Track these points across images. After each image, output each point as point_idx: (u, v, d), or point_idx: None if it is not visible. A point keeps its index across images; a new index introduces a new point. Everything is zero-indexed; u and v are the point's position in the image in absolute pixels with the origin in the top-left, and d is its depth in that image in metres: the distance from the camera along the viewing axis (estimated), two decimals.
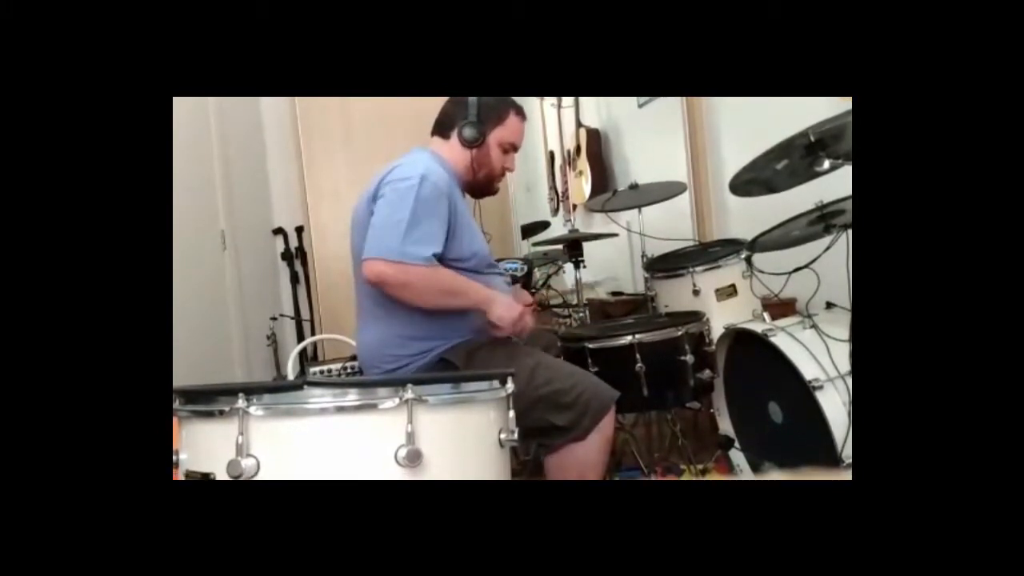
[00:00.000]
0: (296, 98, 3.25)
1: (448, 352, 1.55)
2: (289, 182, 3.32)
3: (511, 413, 1.08)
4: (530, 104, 3.92)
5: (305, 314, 3.28)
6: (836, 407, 1.55)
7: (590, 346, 1.80)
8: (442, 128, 1.69)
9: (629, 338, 1.78)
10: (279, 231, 3.33)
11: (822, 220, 1.66)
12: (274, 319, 3.15)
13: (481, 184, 1.72)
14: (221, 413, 0.96)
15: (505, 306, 1.53)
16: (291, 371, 2.12)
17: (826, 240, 1.69)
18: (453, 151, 1.66)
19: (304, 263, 3.31)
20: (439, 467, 0.96)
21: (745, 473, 1.97)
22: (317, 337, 3.00)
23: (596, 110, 3.81)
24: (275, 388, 1.01)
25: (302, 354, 2.54)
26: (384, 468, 0.93)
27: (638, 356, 1.75)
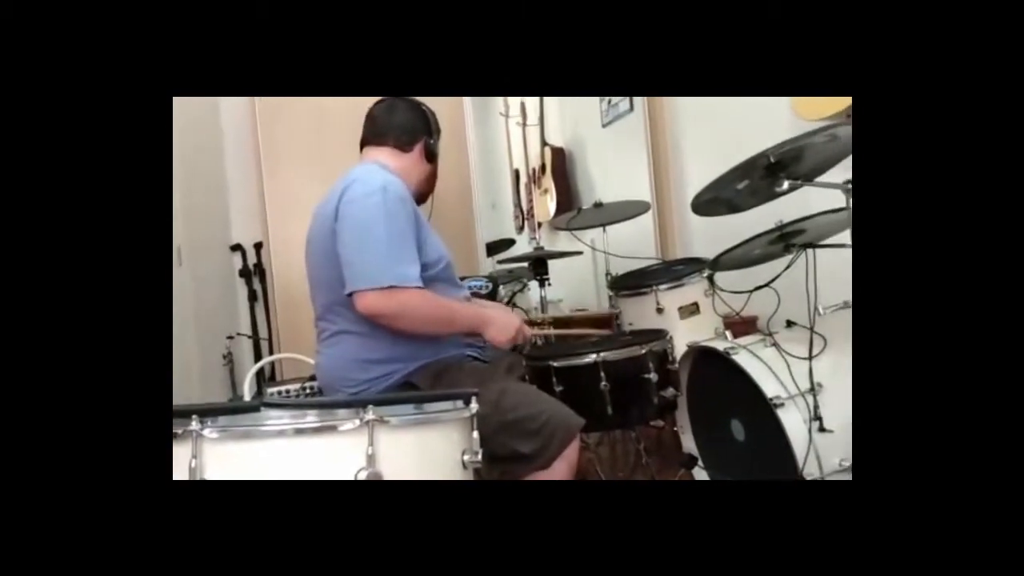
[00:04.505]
0: (256, 104, 3.19)
1: (413, 375, 1.52)
2: (248, 195, 3.26)
3: (475, 434, 1.06)
4: (495, 122, 3.95)
5: (263, 333, 3.22)
6: (796, 424, 1.56)
7: (555, 364, 1.79)
8: (380, 137, 1.63)
9: (593, 356, 1.77)
10: (237, 247, 3.26)
11: (782, 239, 1.69)
12: (230, 338, 3.08)
13: (425, 195, 1.72)
14: (174, 436, 0.92)
15: (500, 328, 1.52)
16: (248, 392, 2.07)
17: (786, 259, 1.72)
18: (403, 161, 1.62)
19: (263, 280, 3.25)
20: None
21: None
22: (275, 356, 2.94)
23: (561, 128, 3.83)
24: (230, 410, 0.98)
25: (259, 374, 2.48)
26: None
27: (603, 374, 1.75)
